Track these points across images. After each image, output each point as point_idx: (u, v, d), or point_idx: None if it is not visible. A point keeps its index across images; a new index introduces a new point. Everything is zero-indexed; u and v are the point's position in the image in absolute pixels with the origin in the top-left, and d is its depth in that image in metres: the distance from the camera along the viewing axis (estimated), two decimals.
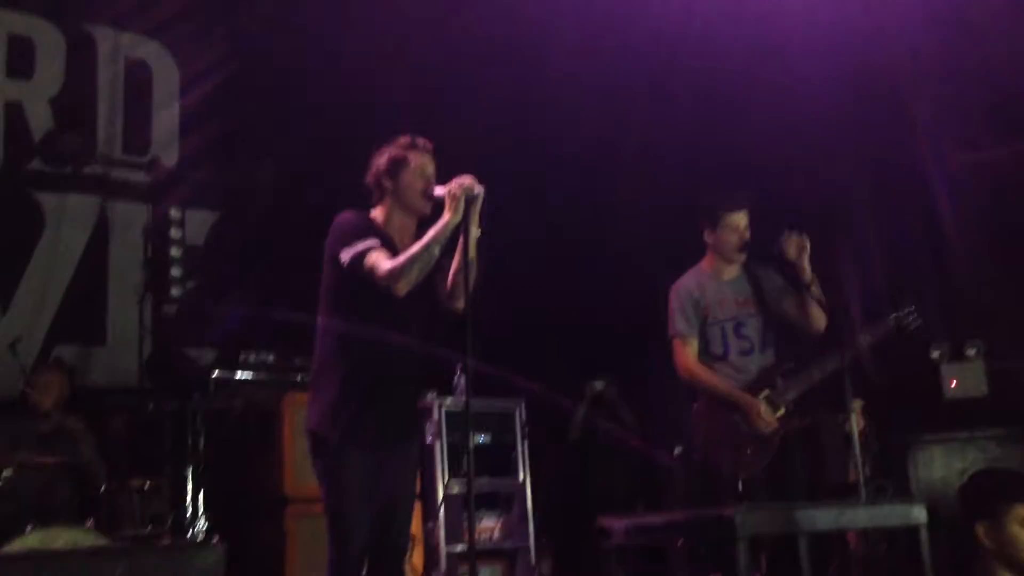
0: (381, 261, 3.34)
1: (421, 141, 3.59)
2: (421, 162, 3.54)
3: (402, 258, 3.33)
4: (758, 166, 6.48)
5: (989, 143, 6.33)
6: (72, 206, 6.38)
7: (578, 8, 6.57)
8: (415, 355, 3.57)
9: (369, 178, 3.60)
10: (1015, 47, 5.92)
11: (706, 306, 4.38)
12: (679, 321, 4.39)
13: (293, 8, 6.84)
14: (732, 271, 4.45)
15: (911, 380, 6.33)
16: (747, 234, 4.36)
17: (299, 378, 5.79)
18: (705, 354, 4.37)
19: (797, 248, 4.25)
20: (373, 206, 3.60)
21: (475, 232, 3.34)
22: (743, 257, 4.41)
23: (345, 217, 3.50)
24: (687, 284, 4.46)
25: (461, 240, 3.37)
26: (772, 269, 4.49)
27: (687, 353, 4.37)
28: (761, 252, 4.41)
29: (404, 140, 3.59)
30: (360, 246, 3.38)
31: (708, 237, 4.45)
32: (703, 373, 4.33)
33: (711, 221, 4.39)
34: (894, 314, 4.38)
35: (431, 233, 3.34)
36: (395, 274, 3.30)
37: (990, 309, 6.26)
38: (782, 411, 4.25)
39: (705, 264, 4.50)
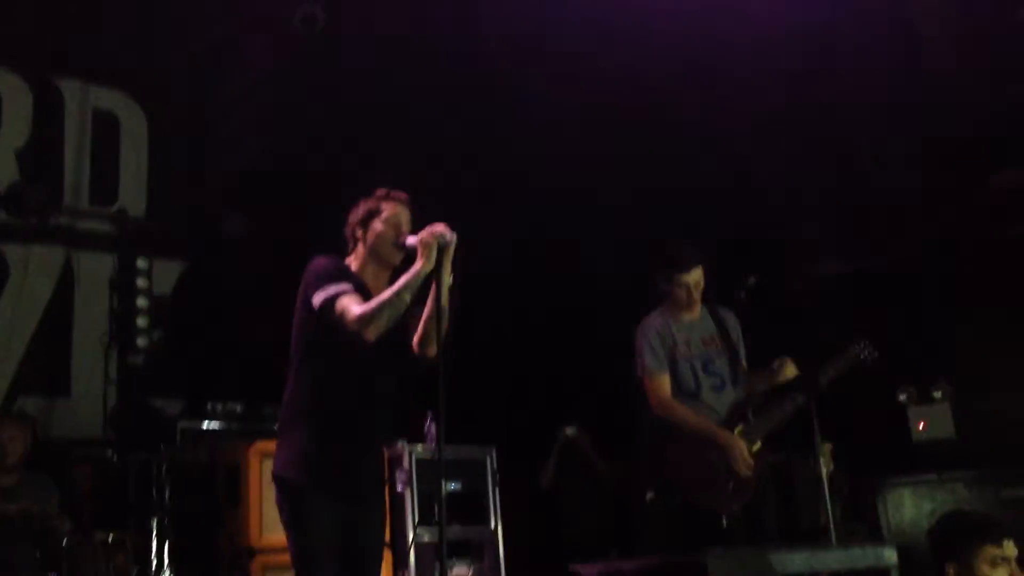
0: (352, 306, 3.32)
1: (395, 193, 3.62)
2: (393, 212, 3.56)
3: (372, 304, 3.32)
4: (724, 197, 6.58)
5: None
6: (37, 256, 6.34)
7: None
8: (387, 403, 3.55)
9: (346, 229, 3.63)
10: None
11: (673, 344, 4.40)
12: (648, 357, 4.38)
13: (260, 56, 6.88)
14: (695, 313, 4.50)
15: (879, 423, 6.38)
16: (701, 286, 4.44)
17: (267, 427, 5.73)
18: (678, 393, 4.36)
19: (784, 374, 4.37)
20: (347, 256, 3.62)
21: (447, 280, 3.35)
22: (698, 306, 4.47)
23: (319, 262, 3.50)
24: (652, 322, 4.48)
25: (433, 287, 3.37)
26: (732, 313, 4.57)
27: (660, 388, 4.34)
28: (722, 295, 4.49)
29: (379, 192, 3.63)
30: (332, 289, 3.37)
31: (663, 285, 4.49)
32: (680, 409, 4.31)
33: (665, 279, 4.45)
34: (852, 346, 4.43)
35: (402, 280, 3.33)
36: (364, 320, 3.29)
37: (956, 351, 6.34)
38: (757, 446, 4.28)
39: (665, 304, 4.52)
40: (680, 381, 4.37)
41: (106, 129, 6.80)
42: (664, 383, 4.35)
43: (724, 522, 4.10)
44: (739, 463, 4.19)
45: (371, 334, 3.29)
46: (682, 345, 4.41)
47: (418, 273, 3.32)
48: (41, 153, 6.51)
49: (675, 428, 4.31)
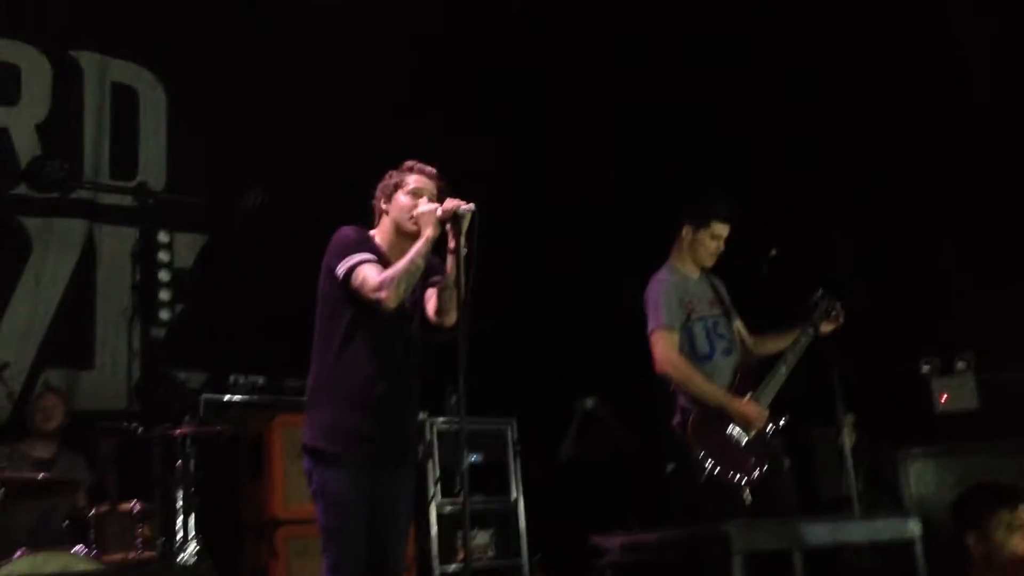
0: (371, 275, 3.37)
1: (422, 166, 3.64)
2: (419, 185, 3.58)
3: (389, 272, 3.37)
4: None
5: None
6: (59, 231, 6.36)
7: None
8: (411, 374, 3.58)
9: (372, 200, 3.66)
10: None
11: (688, 301, 4.28)
12: (664, 313, 4.19)
13: (282, 32, 6.86)
14: (696, 273, 4.42)
15: (902, 395, 6.34)
16: (723, 247, 4.36)
17: (289, 400, 5.77)
18: (691, 355, 4.21)
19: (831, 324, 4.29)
20: (372, 227, 3.65)
21: (462, 250, 3.35)
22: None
23: (344, 232, 3.53)
24: (668, 277, 4.33)
25: (450, 259, 3.39)
26: (718, 278, 4.49)
27: (671, 346, 4.16)
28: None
29: (407, 164, 3.65)
30: (354, 259, 3.42)
31: (686, 234, 4.37)
32: (688, 370, 4.15)
33: (697, 222, 4.33)
34: (813, 299, 4.37)
35: (414, 249, 3.39)
36: (382, 288, 3.33)
37: (980, 322, 6.29)
38: (767, 413, 4.22)
39: (675, 261, 4.41)
40: (694, 342, 4.24)
41: (125, 102, 6.80)
42: (675, 341, 4.19)
43: (747, 495, 4.05)
44: (756, 431, 4.14)
45: (390, 302, 3.33)
46: (696, 304, 4.29)
47: (426, 242, 3.36)
48: (61, 127, 6.51)
49: (682, 391, 4.19)
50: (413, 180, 3.59)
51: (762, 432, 4.17)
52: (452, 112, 7.01)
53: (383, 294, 3.33)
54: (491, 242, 3.36)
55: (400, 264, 3.38)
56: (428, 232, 3.37)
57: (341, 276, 3.41)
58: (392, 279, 3.34)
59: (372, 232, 3.62)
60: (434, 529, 5.90)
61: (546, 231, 7.21)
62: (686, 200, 4.45)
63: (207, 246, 6.85)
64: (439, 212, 3.37)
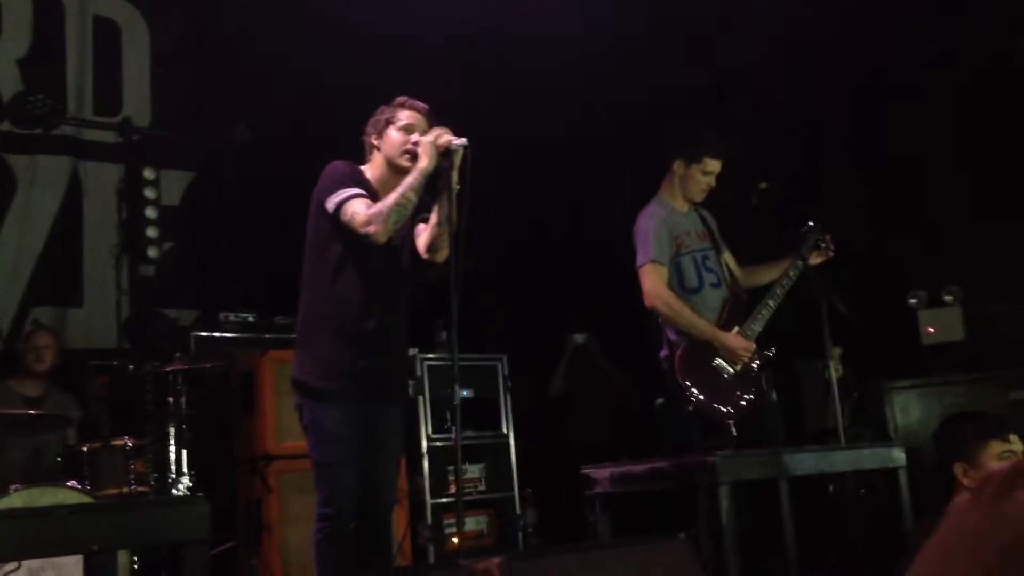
0: (360, 209, 3.36)
1: (414, 101, 3.61)
2: (410, 120, 3.55)
3: (379, 206, 3.36)
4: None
5: None
6: (43, 167, 6.30)
7: None
8: (401, 308, 3.58)
9: (363, 135, 3.63)
10: None
11: (677, 235, 4.28)
12: (655, 247, 4.19)
13: None
14: (686, 207, 4.41)
15: (889, 327, 6.39)
16: (714, 183, 4.34)
17: (279, 337, 5.78)
18: (679, 289, 4.23)
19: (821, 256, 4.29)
20: (363, 162, 3.62)
21: (455, 186, 3.34)
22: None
23: (334, 166, 3.51)
24: (658, 212, 4.31)
25: (441, 193, 3.38)
26: (708, 211, 4.49)
27: (660, 280, 4.18)
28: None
29: (398, 100, 3.62)
30: (344, 193, 3.40)
31: (677, 168, 4.34)
32: (677, 303, 4.16)
33: (690, 157, 4.30)
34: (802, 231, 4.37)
35: (406, 181, 3.38)
36: (372, 221, 3.33)
37: (968, 255, 6.31)
38: (754, 346, 4.24)
39: (665, 195, 4.39)
40: (683, 276, 4.25)
41: (108, 37, 6.68)
42: (664, 275, 4.20)
43: (732, 428, 4.10)
44: (743, 364, 4.17)
45: (380, 236, 3.33)
46: (685, 237, 4.29)
47: (420, 172, 3.35)
48: (43, 62, 6.41)
49: (669, 324, 4.21)
50: (405, 116, 3.56)
51: (749, 365, 4.19)
52: (443, 45, 6.91)
53: (373, 228, 3.32)
54: (483, 178, 3.35)
55: (391, 198, 3.36)
56: (423, 163, 3.35)
57: (331, 210, 3.40)
58: (382, 213, 3.33)
59: (363, 167, 3.60)
60: (425, 463, 5.97)
61: (538, 166, 7.17)
62: (680, 135, 4.42)
63: (194, 183, 6.80)
64: (439, 142, 3.34)
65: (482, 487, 6.27)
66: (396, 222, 3.36)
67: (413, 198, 3.37)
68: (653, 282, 4.18)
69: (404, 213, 3.37)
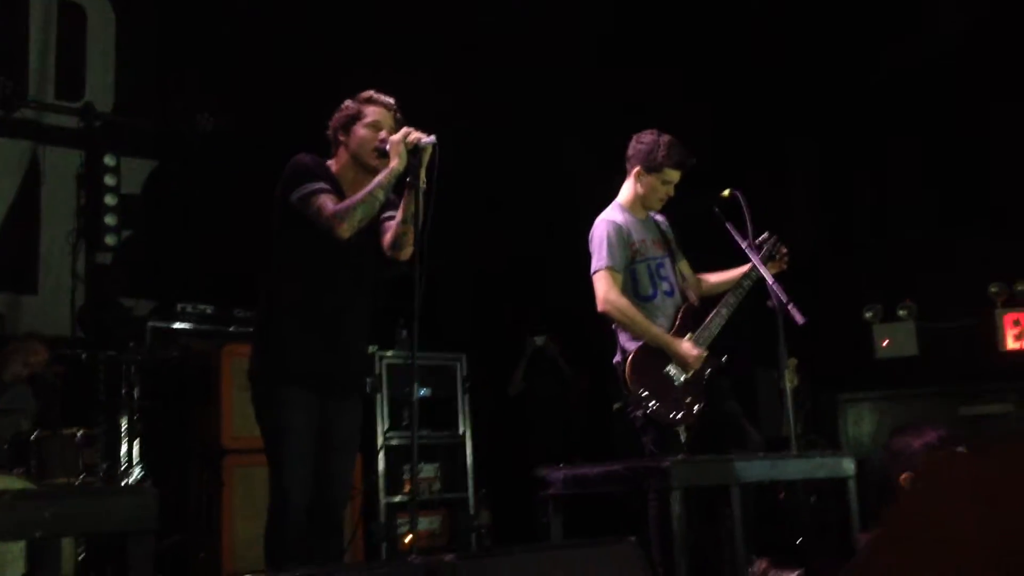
0: (327, 203, 3.34)
1: (380, 96, 3.57)
2: (377, 117, 3.52)
3: (347, 202, 3.35)
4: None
5: None
6: (2, 151, 6.21)
7: None
8: (362, 304, 3.57)
9: (328, 130, 3.59)
10: None
11: (634, 243, 4.29)
12: (608, 253, 4.20)
13: None
14: (643, 214, 4.43)
15: (844, 339, 6.47)
16: (672, 192, 4.38)
17: (236, 330, 5.73)
18: (633, 296, 4.24)
19: (776, 267, 4.32)
20: (329, 157, 3.59)
21: (421, 184, 3.33)
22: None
23: (299, 159, 3.48)
24: (615, 218, 4.32)
25: (407, 192, 3.37)
26: (663, 218, 4.52)
27: (613, 286, 4.18)
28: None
29: (364, 94, 3.58)
30: (310, 187, 3.38)
31: (637, 176, 4.36)
32: (631, 310, 4.18)
33: (651, 166, 4.31)
34: (758, 241, 4.38)
35: (376, 179, 3.37)
36: (339, 217, 3.31)
37: (924, 271, 6.42)
38: (705, 354, 4.27)
39: (625, 201, 4.41)
40: (637, 283, 4.27)
41: (73, 21, 6.60)
42: (619, 281, 4.21)
43: (681, 435, 4.13)
44: (694, 371, 4.21)
45: (345, 231, 3.31)
46: (640, 245, 4.31)
47: (391, 172, 3.34)
48: (6, 44, 6.32)
49: (622, 330, 4.22)
50: (371, 112, 3.53)
51: (700, 372, 4.23)
52: (409, 40, 6.89)
53: (339, 224, 3.30)
54: (447, 177, 3.34)
55: (359, 195, 3.35)
56: (394, 163, 3.33)
57: (296, 203, 3.38)
58: (348, 209, 3.31)
59: (329, 162, 3.57)
60: (381, 461, 5.95)
61: (501, 167, 7.17)
62: (640, 142, 4.43)
63: (155, 172, 6.73)
64: (408, 140, 3.32)
65: (437, 487, 6.26)
66: (362, 219, 3.34)
67: (381, 197, 3.36)
68: (607, 288, 4.20)
69: (371, 211, 3.36)
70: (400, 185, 3.39)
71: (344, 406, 3.53)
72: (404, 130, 3.38)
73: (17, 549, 3.63)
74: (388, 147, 3.38)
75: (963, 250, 6.23)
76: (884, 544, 1.58)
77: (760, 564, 4.11)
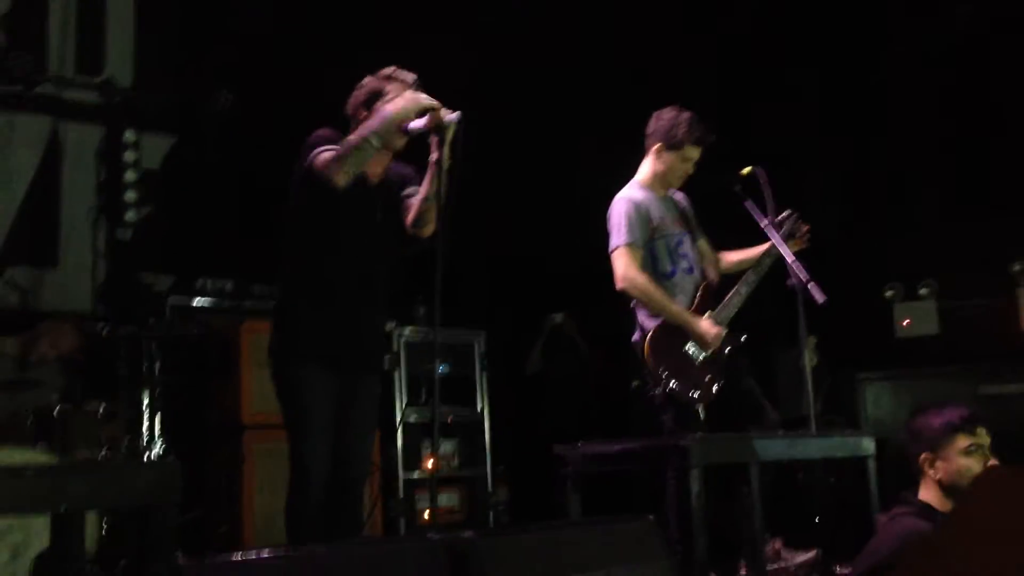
0: (326, 154, 3.30)
1: (401, 73, 3.54)
2: (399, 94, 3.48)
3: (339, 149, 3.29)
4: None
5: None
6: (23, 126, 6.22)
7: None
8: (381, 281, 3.57)
9: (347, 108, 3.56)
10: None
11: (653, 220, 4.28)
12: (628, 231, 4.20)
13: None
14: (662, 191, 4.41)
15: (864, 318, 6.44)
16: (692, 170, 4.36)
17: (258, 306, 5.75)
18: (653, 273, 4.24)
19: (797, 245, 4.28)
20: (349, 133, 3.56)
21: (445, 162, 3.30)
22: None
23: (319, 132, 3.46)
24: (634, 196, 4.31)
25: (431, 169, 3.35)
26: (683, 195, 4.51)
27: (632, 264, 4.18)
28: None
29: (386, 71, 3.55)
30: (321, 149, 3.34)
31: (657, 153, 4.35)
32: (650, 287, 4.17)
33: (672, 143, 4.30)
34: (779, 219, 4.37)
35: (372, 123, 3.30)
36: (331, 163, 3.26)
37: (945, 249, 6.37)
38: (725, 332, 4.27)
39: (644, 178, 4.40)
40: (657, 260, 4.26)
41: None
42: (638, 259, 4.21)
43: (700, 412, 4.13)
44: (713, 349, 4.19)
45: (340, 179, 3.25)
46: (660, 222, 4.30)
47: (387, 119, 3.26)
48: (26, 19, 6.32)
49: (641, 308, 4.23)
50: (393, 89, 3.49)
51: (719, 350, 4.22)
52: (433, 14, 6.85)
53: (332, 171, 3.25)
54: (468, 154, 3.32)
55: (352, 138, 3.30)
56: (395, 107, 3.26)
57: (307, 170, 3.35)
58: (340, 155, 3.26)
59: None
60: (399, 437, 5.98)
61: (524, 143, 7.14)
62: (660, 120, 4.40)
63: (175, 147, 6.73)
64: (422, 123, 3.26)
65: (455, 463, 6.28)
66: (353, 164, 3.27)
67: (375, 143, 3.28)
68: (625, 265, 4.19)
69: (364, 157, 3.29)
70: (422, 159, 3.35)
71: (363, 384, 3.54)
72: (426, 97, 3.32)
73: (41, 523, 3.67)
74: (401, 101, 3.31)
75: (985, 228, 6.17)
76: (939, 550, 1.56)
77: (774, 544, 4.11)
